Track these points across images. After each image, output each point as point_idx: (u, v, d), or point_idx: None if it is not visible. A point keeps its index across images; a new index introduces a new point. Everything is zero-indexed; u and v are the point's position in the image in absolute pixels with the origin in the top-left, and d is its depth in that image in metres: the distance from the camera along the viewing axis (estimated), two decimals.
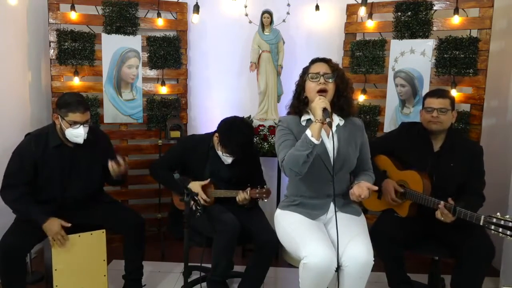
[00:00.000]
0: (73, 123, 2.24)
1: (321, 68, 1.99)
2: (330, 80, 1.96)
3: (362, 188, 1.91)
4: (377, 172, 2.39)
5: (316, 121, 1.84)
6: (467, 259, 2.12)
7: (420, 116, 2.39)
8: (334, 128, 1.98)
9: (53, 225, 2.20)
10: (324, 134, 1.98)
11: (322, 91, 1.94)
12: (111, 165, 2.34)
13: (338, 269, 1.86)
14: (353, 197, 1.94)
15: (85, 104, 2.30)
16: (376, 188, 1.97)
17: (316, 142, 1.82)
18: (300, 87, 2.05)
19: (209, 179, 2.53)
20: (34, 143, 2.28)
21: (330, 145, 1.98)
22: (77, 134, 2.27)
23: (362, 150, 2.09)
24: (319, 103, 1.86)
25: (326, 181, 2.00)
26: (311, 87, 1.97)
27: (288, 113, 2.14)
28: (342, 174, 2.02)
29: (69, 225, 2.23)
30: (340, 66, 2.10)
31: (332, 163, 1.95)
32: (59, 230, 2.20)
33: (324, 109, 1.85)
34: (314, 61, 2.06)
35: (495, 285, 2.76)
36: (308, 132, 1.84)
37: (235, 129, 2.42)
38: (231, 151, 2.45)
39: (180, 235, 2.30)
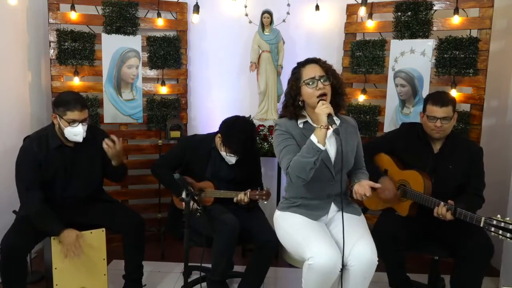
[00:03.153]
0: (71, 122, 2.24)
1: (315, 71, 1.95)
2: (327, 83, 1.94)
3: (364, 187, 1.91)
4: (378, 171, 2.39)
5: (321, 127, 1.83)
6: (467, 259, 2.13)
7: (420, 119, 2.37)
8: (331, 131, 1.97)
9: (69, 237, 2.19)
10: None
11: (322, 95, 1.92)
12: (105, 143, 2.32)
13: (343, 268, 1.86)
14: (357, 196, 1.94)
15: (83, 102, 2.29)
16: (379, 185, 1.96)
17: (322, 148, 1.82)
18: (295, 92, 2.00)
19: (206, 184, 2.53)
20: (36, 145, 2.28)
21: (329, 146, 1.99)
22: (76, 132, 2.26)
23: (357, 150, 2.10)
24: (323, 109, 1.85)
25: (327, 181, 2.01)
26: (309, 92, 1.94)
27: (280, 117, 2.11)
28: (342, 173, 2.02)
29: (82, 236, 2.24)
30: (340, 66, 2.10)
31: (339, 164, 1.95)
32: (74, 243, 2.19)
33: (329, 115, 1.84)
34: (304, 63, 2.01)
35: (495, 285, 2.76)
36: (314, 139, 1.82)
37: (237, 128, 2.43)
38: (234, 151, 2.45)
39: (180, 235, 2.31)
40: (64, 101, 2.25)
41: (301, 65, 2.02)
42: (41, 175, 2.29)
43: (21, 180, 2.27)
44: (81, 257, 2.24)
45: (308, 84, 1.94)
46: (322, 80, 1.93)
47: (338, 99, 2.00)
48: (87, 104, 2.33)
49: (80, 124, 2.26)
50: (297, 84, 1.99)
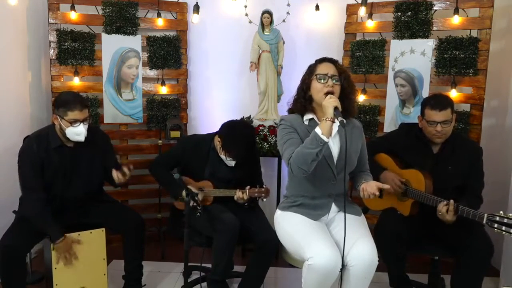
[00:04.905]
0: (73, 122, 2.24)
1: (329, 69, 1.96)
2: (338, 83, 1.95)
3: (372, 187, 1.91)
4: (378, 169, 2.39)
5: (327, 119, 1.83)
6: (467, 259, 2.12)
7: (419, 123, 2.36)
8: (336, 129, 1.96)
9: (65, 246, 2.22)
10: None
11: (329, 93, 1.92)
12: (116, 174, 2.35)
13: (343, 268, 1.86)
14: (364, 194, 1.94)
15: (83, 102, 2.30)
16: (387, 186, 1.96)
17: (326, 140, 1.82)
18: (306, 85, 2.01)
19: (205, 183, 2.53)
20: (36, 145, 2.28)
21: (333, 145, 1.99)
22: (78, 132, 2.26)
23: (361, 151, 2.10)
24: (330, 102, 1.85)
25: (328, 181, 2.01)
26: (318, 87, 1.95)
27: (290, 110, 2.11)
28: (345, 172, 2.01)
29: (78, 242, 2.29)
30: None
31: (341, 163, 1.94)
32: (70, 251, 2.24)
33: (335, 108, 1.84)
34: (321, 60, 2.03)
35: (495, 285, 2.76)
36: (318, 130, 1.83)
37: (237, 133, 2.43)
38: (234, 155, 2.46)
39: (180, 235, 2.31)
40: (64, 101, 2.25)
41: (318, 61, 2.03)
42: (42, 174, 2.29)
43: (23, 181, 2.28)
44: (74, 262, 2.28)
45: (319, 79, 1.95)
46: (333, 80, 1.94)
47: (347, 104, 1.99)
48: (87, 104, 2.33)
49: (82, 124, 2.26)
50: (309, 78, 2.00)
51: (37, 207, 2.22)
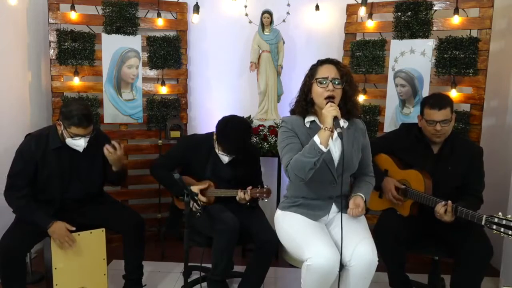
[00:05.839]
0: (74, 135, 2.25)
1: (330, 71, 1.93)
2: (339, 86, 1.92)
3: (357, 208, 1.96)
4: (378, 171, 2.39)
5: (326, 129, 1.81)
6: (466, 259, 2.12)
7: (419, 122, 2.36)
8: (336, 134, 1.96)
9: (59, 229, 2.21)
10: None
11: (329, 97, 1.90)
12: (106, 149, 2.33)
13: (342, 269, 1.86)
14: (351, 213, 1.96)
15: (89, 119, 2.27)
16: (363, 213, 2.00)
17: (324, 150, 1.80)
18: (307, 88, 1.99)
19: (207, 184, 2.53)
20: (35, 144, 2.28)
21: (334, 148, 1.98)
22: (78, 144, 2.28)
23: (364, 153, 2.08)
24: (330, 111, 1.82)
25: (329, 184, 2.00)
26: (319, 91, 1.92)
27: (292, 111, 2.09)
28: (345, 176, 2.01)
29: (74, 228, 2.26)
30: None
31: (341, 168, 1.92)
32: (66, 233, 2.22)
33: (335, 118, 1.82)
34: (322, 62, 1.99)
35: (495, 285, 2.76)
36: (317, 139, 1.81)
37: (230, 126, 2.44)
38: (226, 149, 2.46)
39: (180, 235, 2.31)
40: (70, 115, 2.21)
41: (320, 63, 1.99)
42: (38, 174, 2.29)
43: (11, 177, 2.28)
44: (74, 246, 2.25)
45: (320, 83, 1.92)
46: (335, 83, 1.91)
47: (349, 106, 1.98)
48: (93, 120, 2.31)
49: (83, 138, 2.27)
50: (310, 81, 1.97)
51: (21, 203, 2.25)
